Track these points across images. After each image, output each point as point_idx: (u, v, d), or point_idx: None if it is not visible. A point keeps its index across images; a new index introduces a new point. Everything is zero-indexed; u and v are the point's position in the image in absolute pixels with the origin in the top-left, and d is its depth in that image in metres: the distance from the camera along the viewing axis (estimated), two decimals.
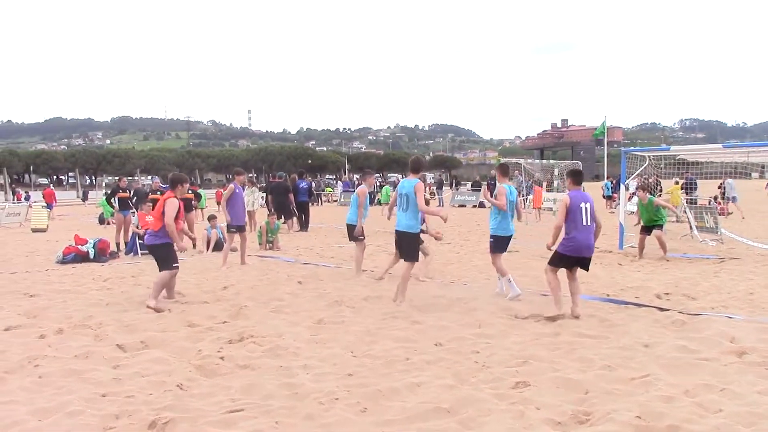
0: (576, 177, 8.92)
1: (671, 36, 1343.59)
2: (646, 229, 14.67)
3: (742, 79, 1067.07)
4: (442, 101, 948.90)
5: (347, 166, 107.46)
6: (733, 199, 26.95)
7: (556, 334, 7.33)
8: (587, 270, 8.72)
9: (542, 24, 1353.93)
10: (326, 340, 7.14)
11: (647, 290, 10.17)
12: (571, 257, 8.42)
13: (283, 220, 21.04)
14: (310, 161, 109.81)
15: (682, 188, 25.24)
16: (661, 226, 14.63)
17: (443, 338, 7.14)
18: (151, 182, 27.73)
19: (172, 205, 9.17)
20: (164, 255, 9.24)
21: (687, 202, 22.17)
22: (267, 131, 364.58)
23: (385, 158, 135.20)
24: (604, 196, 36.04)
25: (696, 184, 26.82)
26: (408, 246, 9.31)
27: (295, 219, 22.54)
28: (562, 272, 8.65)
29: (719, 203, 25.45)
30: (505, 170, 10.17)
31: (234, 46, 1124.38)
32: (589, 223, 8.36)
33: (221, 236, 15.90)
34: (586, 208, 8.37)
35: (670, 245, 14.96)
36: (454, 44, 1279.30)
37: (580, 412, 4.86)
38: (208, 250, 16.05)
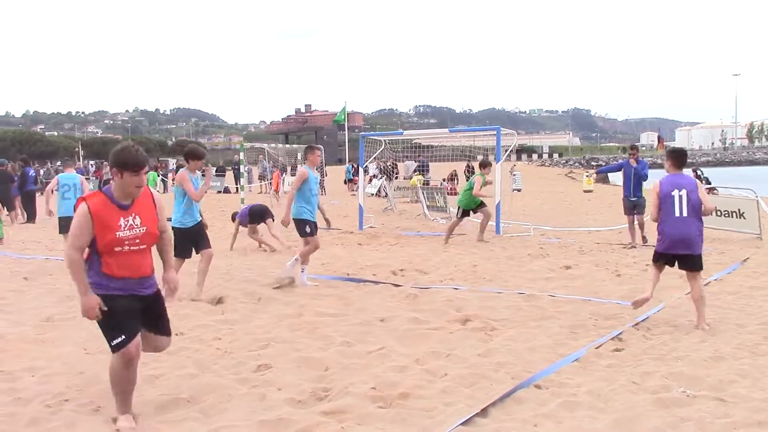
0: (677, 158, 7.33)
1: (405, 27, 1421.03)
2: (465, 213, 14.46)
3: (468, 69, 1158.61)
4: (184, 85, 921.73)
5: (81, 153, 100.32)
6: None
7: (298, 315, 7.46)
8: (693, 270, 7.04)
9: (283, 8, 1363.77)
10: (55, 338, 6.64)
11: (384, 268, 10.71)
12: (666, 254, 7.16)
13: (6, 211, 19.19)
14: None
15: (416, 170, 26.93)
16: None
17: (185, 327, 6.96)
18: None
19: None
20: None
21: (421, 183, 23.71)
22: None
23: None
24: (345, 181, 37.67)
25: (428, 166, 28.74)
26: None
27: (19, 210, 20.63)
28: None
29: (447, 185, 27.47)
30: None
31: None
32: (685, 214, 6.95)
33: None
34: (680, 196, 6.98)
35: (405, 224, 15.89)
36: (196, 27, 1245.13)
37: (320, 389, 5.01)
38: None
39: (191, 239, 8.58)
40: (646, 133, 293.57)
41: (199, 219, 8.79)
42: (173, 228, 8.42)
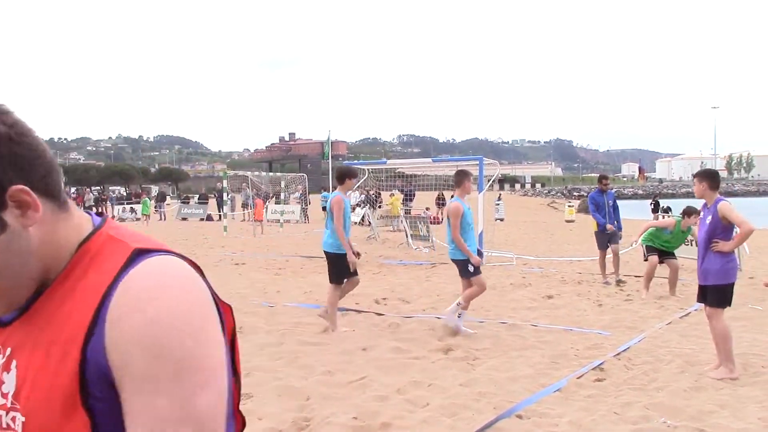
0: (713, 180, 6.46)
1: (389, 57, 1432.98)
2: None
3: (452, 100, 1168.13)
4: (168, 112, 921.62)
5: (63, 179, 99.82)
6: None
7: (279, 344, 7.42)
8: (709, 305, 6.30)
9: (267, 38, 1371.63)
10: None
11: (367, 296, 10.68)
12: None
13: None
14: None
15: (404, 199, 27.08)
16: None
17: None
18: None
19: None
20: None
21: (404, 212, 23.78)
22: None
23: (107, 170, 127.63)
24: (323, 208, 37.89)
25: (413, 195, 28.87)
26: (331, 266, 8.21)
27: None
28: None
29: (433, 214, 27.57)
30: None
31: None
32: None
33: None
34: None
35: (388, 253, 15.89)
36: (180, 55, 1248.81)
37: (301, 419, 4.98)
38: None
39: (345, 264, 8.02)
40: (627, 163, 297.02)
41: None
42: (326, 253, 8.12)
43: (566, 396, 5.57)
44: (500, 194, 38.17)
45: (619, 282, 11.98)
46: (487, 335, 7.84)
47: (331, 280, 8.16)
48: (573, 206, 37.96)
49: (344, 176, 8.27)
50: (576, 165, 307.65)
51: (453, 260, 8.24)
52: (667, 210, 25.35)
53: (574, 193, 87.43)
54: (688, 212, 10.57)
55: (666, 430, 4.75)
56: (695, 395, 5.55)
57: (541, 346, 7.29)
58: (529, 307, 9.87)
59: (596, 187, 13.13)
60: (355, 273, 8.21)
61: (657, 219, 13.95)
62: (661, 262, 10.87)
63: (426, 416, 5.01)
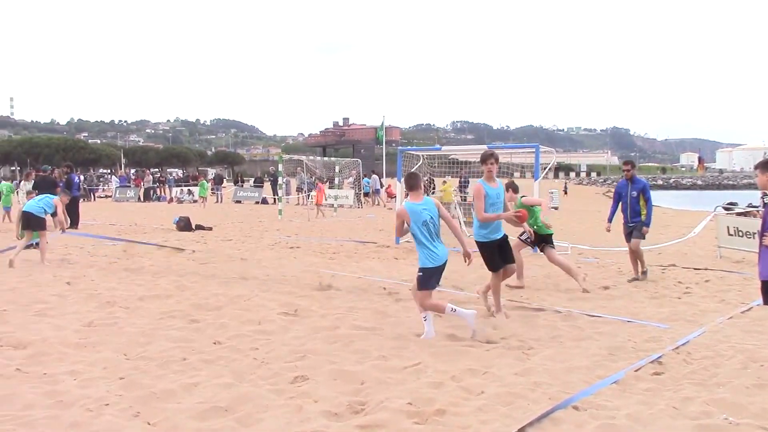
0: None
1: (444, 43, 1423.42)
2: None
3: (506, 86, 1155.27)
4: (224, 96, 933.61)
5: (123, 161, 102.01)
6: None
7: (334, 328, 7.49)
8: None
9: (323, 23, 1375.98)
10: (96, 343, 6.74)
11: None
12: None
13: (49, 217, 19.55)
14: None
15: (459, 186, 26.94)
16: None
17: (222, 336, 7.03)
18: None
19: None
20: None
21: (460, 200, 23.67)
22: (32, 121, 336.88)
23: (165, 153, 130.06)
24: (364, 194, 38.59)
25: (468, 182, 28.70)
26: None
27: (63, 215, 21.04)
28: None
29: None
30: None
31: None
32: None
33: None
34: None
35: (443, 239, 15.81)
36: (237, 39, 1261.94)
37: (356, 402, 5.01)
38: None
39: (498, 253, 8.20)
40: (686, 153, 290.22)
41: (503, 232, 8.35)
42: (478, 242, 8.26)
43: (624, 389, 5.48)
44: (566, 183, 37.63)
45: (632, 280, 11.17)
46: (542, 325, 7.78)
47: (488, 268, 8.37)
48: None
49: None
50: (633, 154, 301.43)
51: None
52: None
53: (645, 180, 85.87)
54: None
55: (728, 428, 4.64)
56: (758, 393, 5.40)
57: (597, 338, 7.20)
58: (585, 297, 9.74)
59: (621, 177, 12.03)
60: (510, 260, 8.28)
61: None
62: None
63: (481, 404, 4.99)
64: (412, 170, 9.50)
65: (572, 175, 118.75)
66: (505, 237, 8.29)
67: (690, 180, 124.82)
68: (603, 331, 7.48)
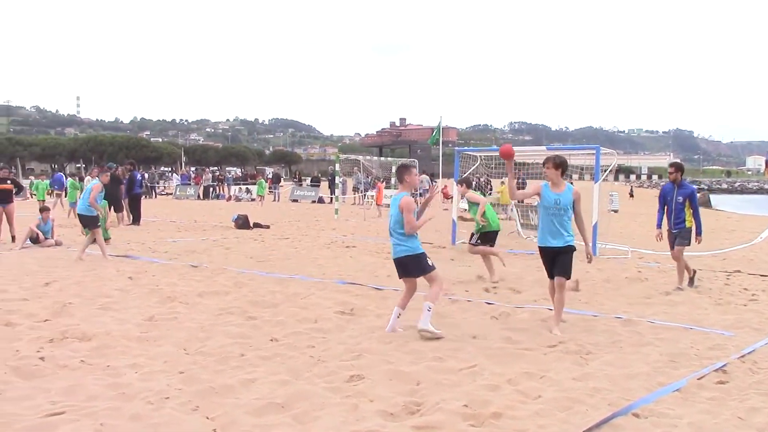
0: None
1: (501, 43, 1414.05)
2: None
3: (565, 86, 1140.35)
4: (282, 96, 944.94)
5: (184, 159, 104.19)
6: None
7: None
8: None
9: (380, 23, 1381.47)
10: (157, 337, 6.89)
11: (477, 285, 10.62)
12: None
13: (114, 213, 20.08)
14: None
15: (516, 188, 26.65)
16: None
17: (279, 333, 7.10)
18: None
19: None
20: None
21: (516, 201, 23.39)
22: (97, 120, 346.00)
23: (224, 151, 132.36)
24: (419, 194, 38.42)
25: (525, 183, 28.38)
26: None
27: (125, 212, 21.61)
28: None
29: None
30: None
31: (60, 26, 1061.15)
32: None
33: (49, 230, 14.96)
34: None
35: (498, 241, 15.69)
36: (294, 40, 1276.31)
37: (412, 403, 5.00)
38: (21, 244, 14.71)
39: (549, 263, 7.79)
40: (752, 156, 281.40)
41: (564, 241, 7.73)
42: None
43: (686, 397, 5.34)
44: (631, 186, 36.72)
45: (675, 290, 10.46)
46: (601, 329, 7.63)
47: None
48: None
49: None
50: (696, 157, 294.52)
51: None
52: None
53: (694, 186, 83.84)
54: None
55: None
56: None
57: (658, 344, 7.02)
58: (646, 302, 9.53)
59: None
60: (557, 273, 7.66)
61: None
62: None
63: (538, 408, 4.92)
64: (406, 164, 9.42)
65: (632, 177, 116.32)
66: (566, 248, 7.67)
67: (756, 184, 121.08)
68: (664, 338, 7.30)
